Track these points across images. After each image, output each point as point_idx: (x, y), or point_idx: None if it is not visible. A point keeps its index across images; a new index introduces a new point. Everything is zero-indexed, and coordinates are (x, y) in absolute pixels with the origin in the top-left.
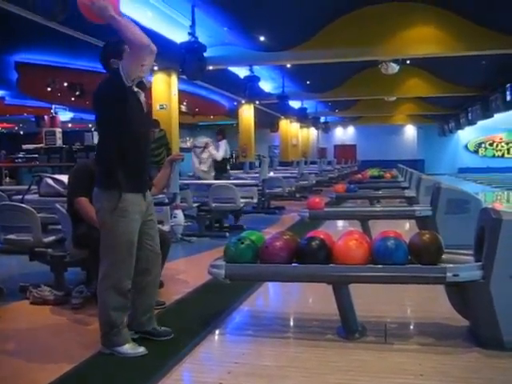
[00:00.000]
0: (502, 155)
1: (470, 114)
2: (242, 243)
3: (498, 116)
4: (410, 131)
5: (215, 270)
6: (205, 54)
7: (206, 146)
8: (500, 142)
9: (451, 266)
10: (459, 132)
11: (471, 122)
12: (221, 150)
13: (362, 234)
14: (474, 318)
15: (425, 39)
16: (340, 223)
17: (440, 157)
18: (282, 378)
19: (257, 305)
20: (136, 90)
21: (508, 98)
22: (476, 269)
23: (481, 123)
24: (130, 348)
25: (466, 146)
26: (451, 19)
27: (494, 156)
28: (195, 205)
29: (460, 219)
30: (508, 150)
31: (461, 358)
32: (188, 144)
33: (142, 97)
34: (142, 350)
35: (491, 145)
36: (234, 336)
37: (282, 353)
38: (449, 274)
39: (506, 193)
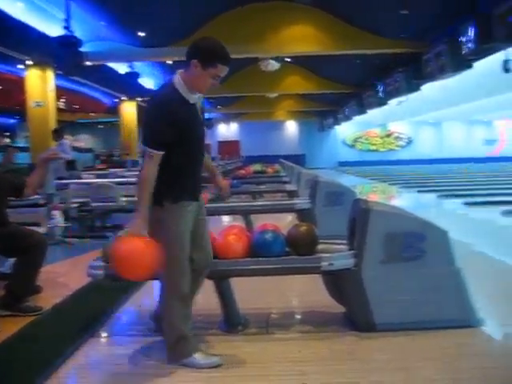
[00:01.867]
0: (377, 149)
1: (346, 110)
2: None
3: (372, 112)
4: (292, 127)
5: (94, 271)
6: (81, 49)
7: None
8: (375, 137)
9: (326, 255)
10: (338, 127)
11: (348, 118)
12: (68, 150)
13: (241, 229)
14: (349, 304)
15: (304, 38)
16: (225, 218)
17: (320, 151)
18: (166, 376)
19: (141, 304)
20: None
21: (380, 95)
22: (349, 257)
23: (357, 119)
24: (201, 358)
25: (344, 141)
26: (329, 20)
27: (369, 150)
28: (75, 205)
29: (337, 211)
30: (382, 144)
31: (337, 343)
32: (69, 141)
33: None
34: (215, 359)
35: (367, 139)
36: (117, 337)
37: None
38: (324, 264)
39: (380, 184)
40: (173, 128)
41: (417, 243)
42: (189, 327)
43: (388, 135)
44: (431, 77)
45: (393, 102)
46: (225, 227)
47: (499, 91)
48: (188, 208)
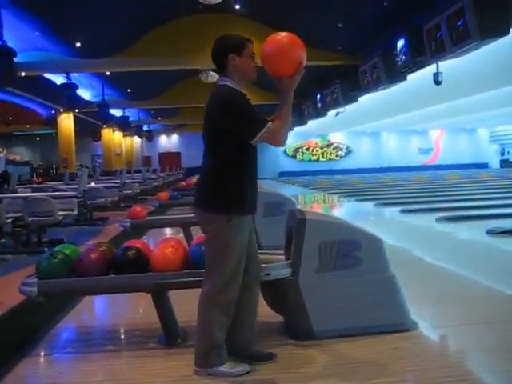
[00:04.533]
0: (318, 159)
1: None
2: (55, 258)
3: (312, 122)
4: None
5: (27, 288)
6: (15, 60)
7: None
8: (315, 147)
9: (263, 265)
10: None
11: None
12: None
13: (178, 241)
14: (288, 313)
15: None
16: (166, 231)
17: (262, 162)
18: None
19: (78, 320)
20: None
21: (319, 106)
22: (286, 267)
23: (298, 129)
24: (230, 367)
25: (286, 151)
26: (269, 32)
27: (310, 160)
28: (9, 220)
29: (277, 221)
30: (322, 154)
31: (276, 351)
32: (1, 155)
33: None
34: (243, 367)
35: (308, 149)
36: (52, 355)
37: (102, 367)
38: (261, 274)
39: (321, 193)
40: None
41: (352, 251)
42: (223, 337)
43: (328, 145)
44: (367, 88)
45: (332, 113)
46: (162, 240)
47: (433, 102)
48: (249, 220)
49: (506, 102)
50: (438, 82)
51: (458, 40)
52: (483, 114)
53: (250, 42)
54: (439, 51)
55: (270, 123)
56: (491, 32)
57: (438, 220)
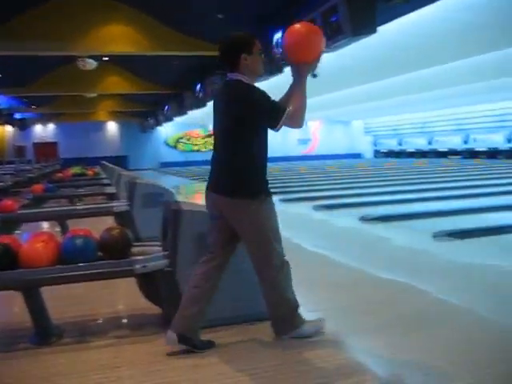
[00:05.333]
0: (199, 150)
1: (167, 111)
2: None
3: (193, 113)
4: (113, 128)
5: None
6: None
7: None
8: (197, 137)
9: (139, 258)
10: (160, 128)
11: (169, 119)
12: None
13: (50, 235)
14: (166, 305)
15: (121, 37)
16: (42, 225)
17: (143, 152)
18: None
19: None
20: None
21: (199, 96)
22: (162, 258)
23: (179, 120)
24: (310, 326)
25: (167, 142)
26: (149, 21)
27: (192, 150)
28: None
29: (155, 212)
30: (204, 144)
31: (155, 344)
32: None
33: None
34: (319, 323)
35: (189, 140)
36: None
37: None
38: (137, 266)
39: (202, 184)
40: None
41: None
42: (296, 299)
43: (209, 135)
44: None
45: (212, 103)
46: (32, 234)
47: (310, 94)
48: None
49: (378, 96)
50: (314, 75)
51: (332, 35)
52: (357, 106)
53: (256, 39)
54: None
55: (288, 109)
56: (362, 29)
57: (316, 208)
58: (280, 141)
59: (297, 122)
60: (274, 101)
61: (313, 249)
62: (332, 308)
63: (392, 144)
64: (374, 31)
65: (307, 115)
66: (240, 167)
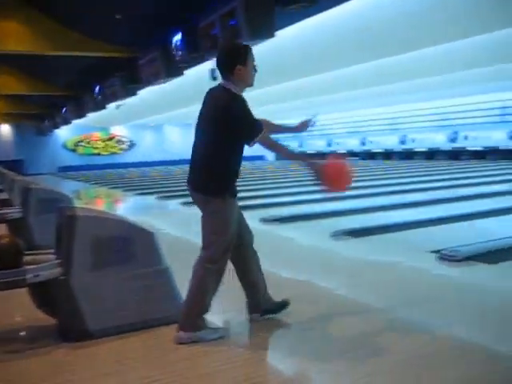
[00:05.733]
0: (100, 153)
1: (65, 114)
2: None
3: (92, 115)
4: (6, 130)
5: None
6: None
7: None
8: (97, 141)
9: (31, 267)
10: (58, 131)
11: (67, 121)
12: None
13: None
14: (60, 314)
15: (16, 36)
16: None
17: (40, 156)
18: None
19: None
20: None
21: (98, 98)
22: (55, 266)
23: (78, 122)
24: (209, 333)
25: (65, 145)
26: (44, 20)
27: (92, 154)
28: None
29: (52, 219)
30: (104, 147)
31: (50, 355)
32: None
33: None
34: (221, 331)
35: (89, 143)
36: None
37: None
38: (29, 276)
39: (102, 188)
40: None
41: (125, 246)
42: (210, 304)
43: (110, 139)
44: (146, 82)
45: (112, 106)
46: None
47: None
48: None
49: (284, 98)
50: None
51: (231, 38)
52: (264, 108)
53: (251, 49)
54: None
55: (264, 131)
56: (260, 34)
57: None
58: (183, 143)
59: (263, 145)
60: (253, 118)
61: None
62: (234, 310)
63: (293, 146)
64: (272, 35)
65: None
66: (211, 169)
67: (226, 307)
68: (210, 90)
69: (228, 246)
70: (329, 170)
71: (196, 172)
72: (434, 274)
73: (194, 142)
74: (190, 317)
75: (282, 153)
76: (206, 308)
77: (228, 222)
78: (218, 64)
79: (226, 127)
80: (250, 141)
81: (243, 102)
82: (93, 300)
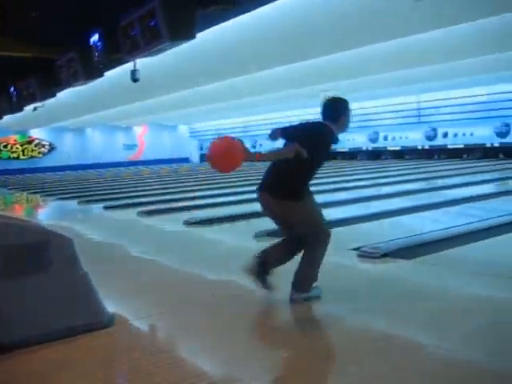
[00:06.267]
0: (18, 157)
1: None
2: None
3: (9, 117)
4: None
5: None
6: None
7: None
8: (15, 144)
9: None
10: None
11: None
12: None
13: None
14: None
15: None
16: None
17: None
18: None
19: None
20: None
21: (14, 100)
22: None
23: None
24: (316, 291)
25: None
26: None
27: (9, 158)
28: None
29: None
30: (23, 151)
31: None
32: None
33: None
34: (320, 290)
35: (6, 147)
36: None
37: None
38: None
39: (21, 194)
40: (328, 148)
41: (41, 253)
42: None
43: (29, 142)
44: (65, 84)
45: (30, 108)
46: None
47: (133, 99)
48: None
49: (205, 101)
50: (135, 80)
51: (151, 40)
52: (184, 111)
53: (349, 103)
54: (134, 49)
55: (304, 153)
56: (180, 35)
57: (140, 214)
58: (105, 146)
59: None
60: (320, 145)
61: (139, 255)
62: (160, 312)
63: None
64: (192, 37)
65: (132, 120)
66: (291, 180)
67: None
68: (315, 122)
69: (322, 221)
70: (214, 148)
71: (280, 183)
72: (353, 270)
73: None
74: (309, 280)
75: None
76: (317, 275)
77: (310, 208)
78: (330, 113)
79: (316, 151)
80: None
81: (331, 132)
82: (7, 310)
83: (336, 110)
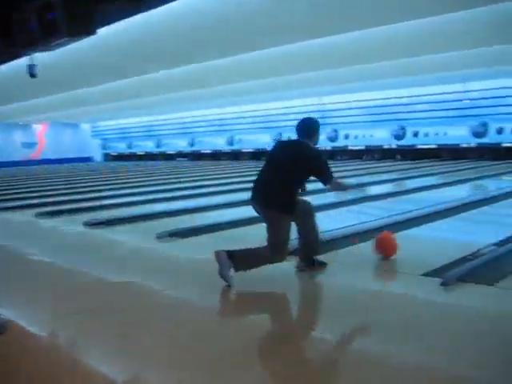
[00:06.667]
0: None
1: None
2: None
3: None
4: None
5: None
6: None
7: None
8: None
9: None
10: None
11: None
12: None
13: None
14: None
15: None
16: None
17: None
18: None
19: None
20: None
21: None
22: None
23: None
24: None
25: None
26: None
27: None
28: None
29: None
30: None
31: None
32: None
33: None
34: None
35: None
36: None
37: None
38: None
39: None
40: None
41: None
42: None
43: None
44: None
45: None
46: None
47: (32, 95)
48: None
49: (107, 99)
50: (33, 75)
51: (49, 34)
52: (85, 108)
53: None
54: (31, 43)
55: (334, 178)
56: (79, 30)
57: (39, 215)
58: (1, 144)
59: (332, 188)
60: (326, 161)
61: (39, 257)
62: (61, 316)
63: (122, 147)
64: (93, 33)
65: (32, 117)
66: (284, 194)
67: None
68: (291, 142)
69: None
70: (383, 242)
71: (271, 194)
72: None
73: (264, 170)
74: (310, 256)
75: (338, 188)
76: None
77: (286, 227)
78: (305, 130)
79: (305, 169)
80: (328, 182)
81: (318, 149)
82: None
83: (312, 130)
